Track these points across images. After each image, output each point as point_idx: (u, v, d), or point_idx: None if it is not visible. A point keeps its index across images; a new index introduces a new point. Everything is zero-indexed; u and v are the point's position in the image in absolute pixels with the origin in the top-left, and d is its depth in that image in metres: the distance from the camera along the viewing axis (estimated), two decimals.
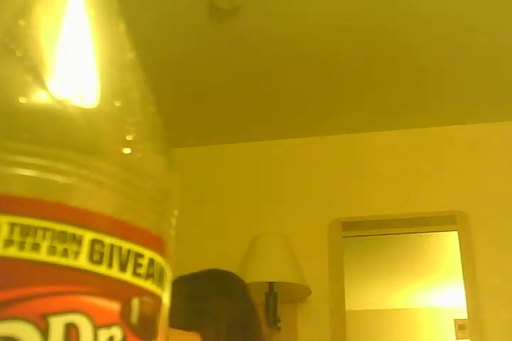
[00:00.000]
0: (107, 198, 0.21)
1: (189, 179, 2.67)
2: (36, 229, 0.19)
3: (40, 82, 0.21)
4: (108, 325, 0.20)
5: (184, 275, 1.34)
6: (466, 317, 2.38)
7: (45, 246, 0.19)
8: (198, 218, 2.66)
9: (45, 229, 0.19)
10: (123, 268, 0.21)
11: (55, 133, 0.20)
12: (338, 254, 2.55)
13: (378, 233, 2.59)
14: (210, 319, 1.26)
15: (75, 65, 0.22)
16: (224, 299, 1.32)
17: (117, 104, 0.23)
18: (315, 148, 2.77)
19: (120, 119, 0.23)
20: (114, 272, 0.20)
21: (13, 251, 0.18)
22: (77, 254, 0.19)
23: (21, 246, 0.19)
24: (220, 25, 2.15)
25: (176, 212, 0.25)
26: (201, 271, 1.40)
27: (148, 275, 0.22)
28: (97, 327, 0.19)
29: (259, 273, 2.34)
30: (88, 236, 0.20)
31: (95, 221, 0.20)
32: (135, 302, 0.21)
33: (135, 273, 0.21)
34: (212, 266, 1.43)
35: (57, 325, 0.18)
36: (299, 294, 2.46)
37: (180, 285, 1.24)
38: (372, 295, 2.72)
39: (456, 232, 2.51)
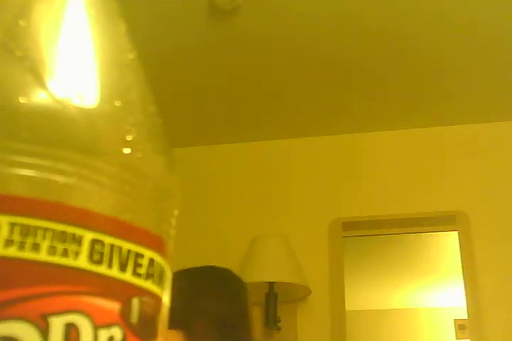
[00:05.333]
0: (106, 198, 0.21)
1: (189, 179, 2.67)
2: (36, 229, 0.19)
3: (40, 82, 0.21)
4: (108, 325, 0.20)
5: (182, 269, 1.31)
6: (466, 317, 2.38)
7: (45, 246, 0.19)
8: (198, 218, 2.66)
9: (45, 229, 0.19)
10: (123, 268, 0.21)
11: (55, 133, 0.20)
12: (338, 254, 2.55)
13: (378, 233, 2.59)
14: (198, 317, 1.23)
15: (75, 65, 0.22)
16: (215, 298, 1.28)
17: (117, 104, 0.23)
18: (315, 148, 2.77)
19: (120, 119, 0.23)
20: (114, 272, 0.20)
21: (13, 251, 0.18)
22: (77, 254, 0.19)
23: (21, 246, 0.19)
24: (220, 25, 2.15)
25: (176, 212, 0.25)
26: (201, 267, 1.36)
27: (149, 275, 0.22)
28: (97, 327, 0.19)
29: (259, 273, 2.34)
30: (88, 236, 0.20)
31: (95, 221, 0.20)
32: (135, 302, 0.21)
33: (135, 273, 0.21)
34: None
35: (57, 325, 0.18)
36: (299, 294, 2.46)
37: (175, 278, 1.20)
38: (372, 295, 2.72)
39: (456, 232, 2.51)
